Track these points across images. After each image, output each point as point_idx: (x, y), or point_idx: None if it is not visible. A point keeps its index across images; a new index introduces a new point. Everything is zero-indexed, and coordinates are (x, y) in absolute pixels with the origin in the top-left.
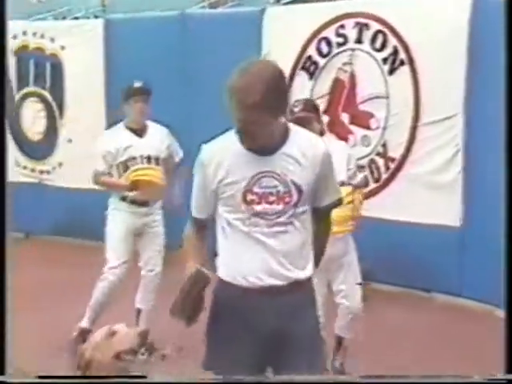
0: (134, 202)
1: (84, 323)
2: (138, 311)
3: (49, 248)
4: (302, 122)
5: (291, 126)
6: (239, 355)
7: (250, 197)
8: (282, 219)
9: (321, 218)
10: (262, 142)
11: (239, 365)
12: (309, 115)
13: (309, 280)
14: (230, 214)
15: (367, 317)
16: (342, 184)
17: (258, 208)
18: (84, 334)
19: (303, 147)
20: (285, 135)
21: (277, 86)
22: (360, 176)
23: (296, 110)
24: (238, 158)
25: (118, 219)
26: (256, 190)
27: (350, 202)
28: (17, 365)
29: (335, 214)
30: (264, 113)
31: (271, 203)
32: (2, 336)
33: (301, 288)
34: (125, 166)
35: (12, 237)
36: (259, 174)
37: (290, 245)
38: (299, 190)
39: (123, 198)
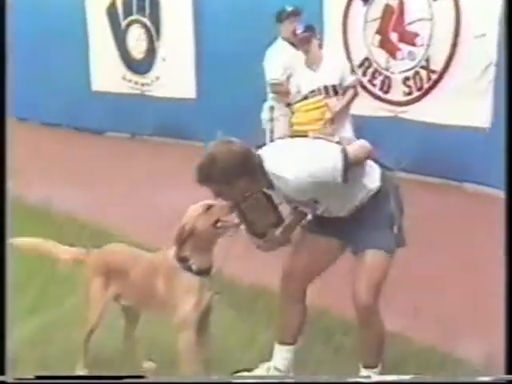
0: None
1: None
2: None
3: (149, 146)
4: (303, 40)
5: (267, 165)
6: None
7: None
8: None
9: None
10: (235, 199)
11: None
12: (308, 34)
13: (379, 189)
14: None
15: (405, 201)
16: (334, 87)
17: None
18: None
19: (285, 178)
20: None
21: (228, 167)
22: (351, 78)
23: (298, 31)
24: None
25: None
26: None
27: (320, 107)
28: (131, 238)
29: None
30: (218, 185)
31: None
32: (3, 336)
33: (374, 195)
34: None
35: (121, 137)
36: (284, 198)
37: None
38: (305, 204)
39: None
